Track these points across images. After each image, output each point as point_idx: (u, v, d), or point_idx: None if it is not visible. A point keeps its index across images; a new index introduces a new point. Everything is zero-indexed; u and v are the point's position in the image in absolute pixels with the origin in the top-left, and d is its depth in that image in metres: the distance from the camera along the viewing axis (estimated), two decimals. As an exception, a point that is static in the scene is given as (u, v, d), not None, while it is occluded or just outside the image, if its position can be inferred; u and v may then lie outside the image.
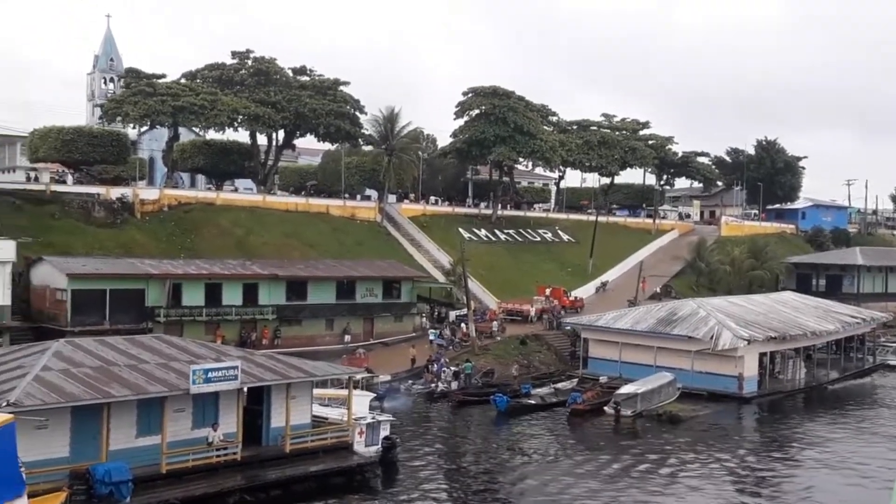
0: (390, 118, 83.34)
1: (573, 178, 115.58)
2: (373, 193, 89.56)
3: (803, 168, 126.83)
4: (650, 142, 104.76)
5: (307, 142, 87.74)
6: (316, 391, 37.77)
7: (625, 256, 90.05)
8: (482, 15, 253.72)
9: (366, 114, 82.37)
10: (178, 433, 30.81)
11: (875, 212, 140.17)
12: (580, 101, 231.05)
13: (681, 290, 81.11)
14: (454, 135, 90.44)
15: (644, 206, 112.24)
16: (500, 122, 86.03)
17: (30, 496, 22.03)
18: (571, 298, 73.16)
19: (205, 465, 31.02)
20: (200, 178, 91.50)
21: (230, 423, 32.30)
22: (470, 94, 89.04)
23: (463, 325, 61.63)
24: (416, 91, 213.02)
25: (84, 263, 51.29)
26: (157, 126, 77.90)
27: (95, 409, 28.44)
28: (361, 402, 39.10)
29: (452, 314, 65.65)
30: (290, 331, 56.43)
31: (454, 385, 51.62)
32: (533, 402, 49.63)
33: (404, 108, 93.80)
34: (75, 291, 48.43)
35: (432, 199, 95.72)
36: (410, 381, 52.59)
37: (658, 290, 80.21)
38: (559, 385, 53.80)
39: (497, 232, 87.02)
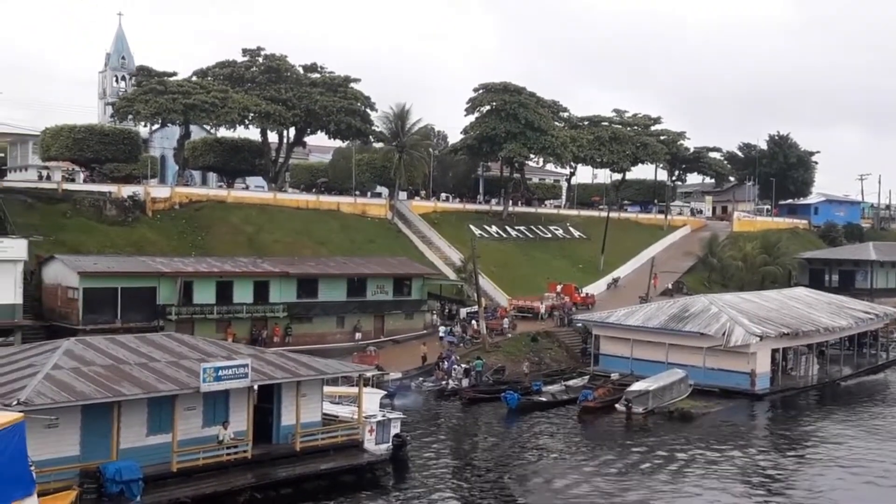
0: (401, 115, 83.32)
1: (584, 175, 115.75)
2: (384, 190, 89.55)
3: (816, 163, 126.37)
4: (662, 137, 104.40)
5: (318, 139, 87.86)
6: (326, 389, 37.75)
7: (636, 252, 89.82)
8: (493, 11, 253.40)
9: (376, 111, 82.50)
10: (189, 431, 30.83)
11: (888, 207, 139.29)
12: (592, 98, 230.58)
13: (693, 287, 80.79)
14: (465, 131, 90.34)
15: (656, 201, 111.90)
16: (510, 119, 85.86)
17: (40, 495, 22.08)
18: (583, 295, 73.01)
19: (215, 464, 31.01)
20: (212, 175, 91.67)
21: (240, 421, 32.30)
22: (481, 91, 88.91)
23: (474, 322, 61.57)
24: (427, 88, 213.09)
25: (95, 262, 51.47)
26: (169, 124, 78.08)
27: (106, 407, 28.48)
28: (372, 399, 39.08)
29: (463, 311, 65.60)
30: (300, 328, 56.51)
31: (465, 382, 51.55)
32: (544, 399, 49.51)
33: (415, 105, 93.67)
34: (87, 290, 48.59)
35: (443, 195, 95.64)
36: (421, 379, 52.55)
37: (670, 286, 79.94)
38: (570, 382, 53.63)
39: (508, 228, 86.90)
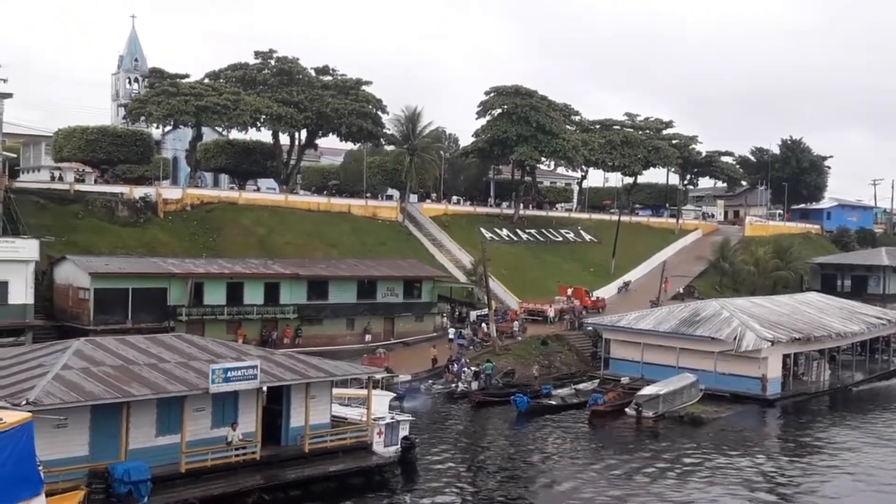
0: (412, 118, 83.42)
1: (596, 178, 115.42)
2: (394, 193, 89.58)
3: (828, 168, 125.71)
4: (673, 141, 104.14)
5: (329, 141, 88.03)
6: (336, 391, 37.76)
7: (647, 256, 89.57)
8: (505, 15, 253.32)
9: (388, 113, 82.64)
10: (198, 432, 30.84)
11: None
12: (601, 100, 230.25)
13: (704, 291, 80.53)
14: (476, 134, 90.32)
15: (667, 205, 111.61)
16: (522, 122, 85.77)
17: (48, 495, 22.08)
18: (593, 298, 72.85)
19: (224, 465, 31.01)
20: (224, 177, 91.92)
21: (249, 422, 32.29)
22: (492, 94, 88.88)
23: (484, 324, 61.50)
24: (438, 90, 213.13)
25: (107, 262, 51.62)
26: (181, 126, 78.36)
27: (115, 408, 28.52)
28: (381, 401, 38.98)
29: (473, 314, 65.53)
30: (311, 330, 56.54)
31: (474, 385, 51.48)
32: (553, 402, 49.41)
33: (426, 108, 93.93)
34: (98, 290, 48.73)
35: (454, 198, 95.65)
36: (430, 381, 52.50)
37: (681, 290, 79.69)
38: (580, 386, 53.53)
39: (519, 232, 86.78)
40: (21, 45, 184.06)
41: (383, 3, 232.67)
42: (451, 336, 60.15)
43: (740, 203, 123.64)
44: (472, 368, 53.04)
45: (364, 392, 38.25)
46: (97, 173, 74.41)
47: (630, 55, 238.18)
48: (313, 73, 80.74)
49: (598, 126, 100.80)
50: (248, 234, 67.09)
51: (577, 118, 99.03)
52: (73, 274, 50.15)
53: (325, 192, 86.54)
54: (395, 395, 44.32)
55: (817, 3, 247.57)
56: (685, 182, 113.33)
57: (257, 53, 79.71)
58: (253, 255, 60.92)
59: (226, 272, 54.27)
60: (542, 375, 55.59)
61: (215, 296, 53.01)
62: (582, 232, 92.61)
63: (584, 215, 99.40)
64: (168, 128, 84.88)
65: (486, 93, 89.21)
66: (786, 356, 55.32)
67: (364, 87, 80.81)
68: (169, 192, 67.81)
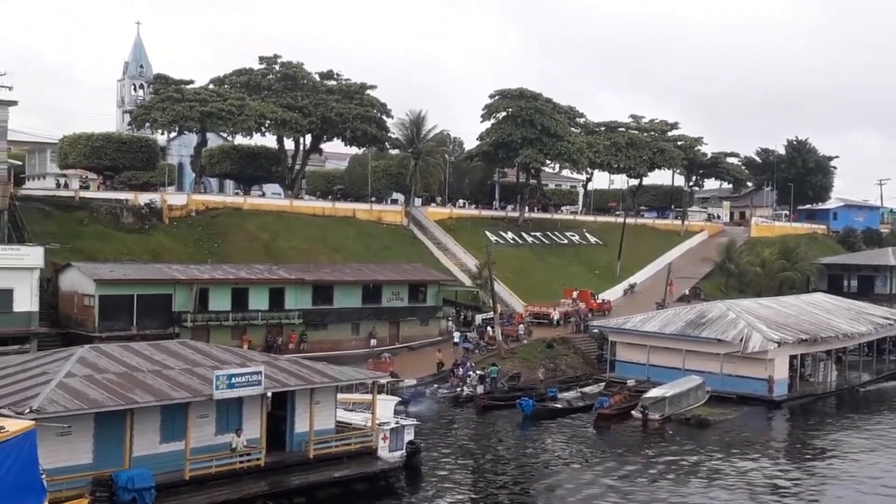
0: (416, 121, 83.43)
1: (601, 180, 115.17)
2: (399, 197, 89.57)
3: (834, 168, 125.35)
4: (679, 143, 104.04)
5: (334, 146, 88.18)
6: (340, 396, 37.67)
7: (653, 258, 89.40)
8: (508, 18, 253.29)
9: (392, 117, 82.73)
10: (202, 439, 30.75)
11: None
12: (604, 102, 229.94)
13: (710, 292, 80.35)
14: (481, 137, 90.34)
15: (673, 207, 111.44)
16: (526, 125, 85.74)
17: (51, 503, 22.09)
18: (599, 301, 72.74)
19: (228, 472, 30.91)
20: (229, 183, 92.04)
21: (254, 428, 32.23)
22: (496, 97, 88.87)
23: (489, 328, 61.40)
24: (443, 94, 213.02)
25: (112, 269, 51.68)
26: (186, 132, 78.46)
27: (119, 415, 28.46)
28: (386, 406, 38.93)
29: (479, 317, 65.45)
30: (316, 335, 56.55)
31: (480, 389, 51.39)
32: (559, 406, 49.33)
33: (430, 112, 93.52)
34: (103, 297, 48.79)
35: (459, 202, 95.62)
36: (436, 386, 52.44)
37: (687, 292, 79.52)
38: (586, 389, 53.47)
39: (524, 235, 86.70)
40: (27, 51, 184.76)
41: (383, 3, 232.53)
42: (456, 340, 60.10)
43: (746, 204, 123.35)
44: (478, 372, 52.96)
45: (369, 397, 38.21)
46: (100, 180, 74.46)
47: (632, 55, 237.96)
48: (318, 78, 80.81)
49: (602, 128, 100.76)
50: (252, 239, 67.13)
51: (582, 120, 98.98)
52: (78, 281, 50.21)
53: (329, 197, 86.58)
54: (399, 399, 44.29)
55: (818, 2, 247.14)
56: (691, 183, 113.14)
57: (261, 59, 79.82)
58: (258, 261, 60.96)
59: (231, 278, 54.33)
60: (548, 379, 55.47)
61: (220, 301, 53.04)
62: (587, 234, 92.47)
63: (590, 218, 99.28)
64: (173, 134, 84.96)
65: (491, 96, 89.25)
66: (792, 357, 55.13)
67: (368, 92, 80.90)
68: (174, 199, 67.92)
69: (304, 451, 33.54)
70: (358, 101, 79.18)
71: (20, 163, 72.62)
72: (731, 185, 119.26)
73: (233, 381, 30.73)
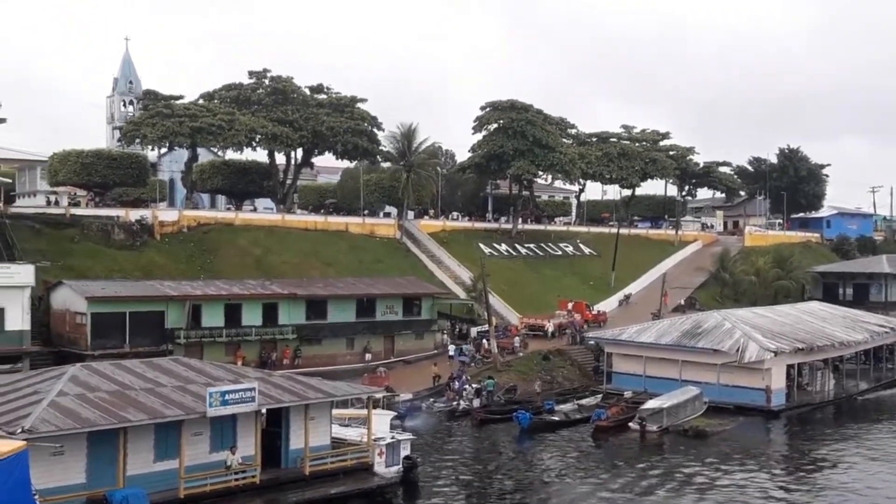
0: (407, 134, 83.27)
1: (594, 191, 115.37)
2: (392, 210, 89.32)
3: (827, 176, 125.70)
4: (671, 153, 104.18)
5: (326, 160, 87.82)
6: (336, 411, 37.34)
7: (648, 269, 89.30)
8: (499, 29, 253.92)
9: (383, 130, 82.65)
10: (196, 457, 30.42)
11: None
12: (598, 114, 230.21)
13: (705, 302, 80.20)
14: (472, 149, 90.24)
15: (666, 217, 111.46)
16: (518, 136, 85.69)
17: (44, 525, 21.71)
18: (594, 312, 72.46)
19: (224, 489, 30.60)
20: (221, 198, 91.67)
21: (248, 445, 31.89)
22: (488, 109, 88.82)
23: (484, 341, 61.07)
24: (434, 107, 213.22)
25: (103, 286, 51.22)
26: (176, 147, 78.15)
27: (112, 434, 28.11)
28: (382, 421, 38.59)
29: (474, 330, 65.10)
30: (310, 350, 56.15)
31: (476, 402, 51.02)
32: (556, 418, 48.98)
33: (422, 124, 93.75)
34: (95, 315, 48.30)
35: (452, 214, 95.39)
36: (432, 400, 52.04)
37: (682, 302, 79.33)
38: (583, 401, 53.10)
39: (518, 246, 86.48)
40: (16, 68, 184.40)
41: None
42: (451, 353, 59.75)
43: (739, 213, 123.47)
44: (474, 385, 52.60)
45: (364, 412, 37.83)
46: (89, 196, 74.01)
47: (629, 58, 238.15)
48: (308, 92, 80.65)
49: (594, 139, 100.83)
50: (245, 254, 66.77)
51: (574, 131, 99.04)
52: (69, 299, 49.76)
53: (322, 211, 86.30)
54: (395, 414, 43.93)
55: (810, 10, 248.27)
56: (683, 193, 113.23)
57: (251, 73, 79.68)
58: (250, 276, 60.56)
59: (223, 294, 53.90)
60: (545, 391, 55.18)
61: (213, 318, 52.61)
62: (581, 245, 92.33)
63: (583, 228, 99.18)
64: (164, 150, 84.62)
65: (482, 108, 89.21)
66: (789, 367, 54.91)
67: (359, 105, 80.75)
68: (165, 215, 67.50)
69: (300, 467, 33.20)
70: (349, 115, 79.01)
71: (10, 180, 72.29)
72: (723, 195, 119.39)
73: (226, 398, 30.41)
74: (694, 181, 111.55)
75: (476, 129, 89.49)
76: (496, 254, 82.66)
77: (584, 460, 41.57)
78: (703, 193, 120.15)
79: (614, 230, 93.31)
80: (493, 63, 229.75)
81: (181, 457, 29.65)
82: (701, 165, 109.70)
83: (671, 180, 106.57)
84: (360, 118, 79.77)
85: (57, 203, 69.21)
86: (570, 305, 71.06)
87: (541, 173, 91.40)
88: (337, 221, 78.18)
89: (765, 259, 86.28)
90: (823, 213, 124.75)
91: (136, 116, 78.63)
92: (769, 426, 50.45)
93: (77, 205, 68.22)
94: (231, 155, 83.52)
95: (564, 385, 58.28)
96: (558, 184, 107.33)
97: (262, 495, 31.22)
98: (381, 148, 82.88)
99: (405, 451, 36.53)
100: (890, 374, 64.99)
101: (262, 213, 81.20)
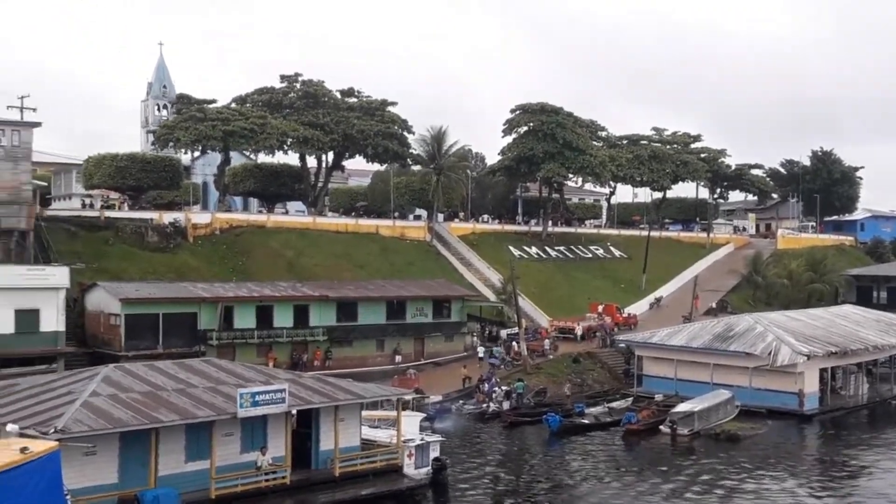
0: (438, 137, 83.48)
1: (624, 194, 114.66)
2: (422, 213, 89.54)
3: (860, 178, 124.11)
4: (702, 155, 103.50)
5: (357, 163, 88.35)
6: (365, 413, 37.53)
7: (679, 271, 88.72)
8: (529, 33, 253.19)
9: (413, 133, 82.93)
10: (227, 458, 30.65)
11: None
12: (629, 117, 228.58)
13: (737, 305, 79.54)
14: (502, 152, 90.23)
15: (698, 220, 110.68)
16: (548, 139, 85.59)
17: (77, 524, 21.97)
18: (625, 315, 72.16)
19: (254, 490, 30.79)
20: (253, 201, 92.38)
21: (279, 446, 32.08)
22: (518, 112, 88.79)
23: (514, 343, 61.00)
24: (464, 110, 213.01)
25: (137, 288, 51.81)
26: (209, 151, 78.85)
27: (144, 434, 28.42)
28: (411, 423, 38.68)
29: (504, 333, 65.06)
30: (341, 352, 56.40)
31: (506, 405, 50.98)
32: (586, 421, 48.77)
33: (452, 127, 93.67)
34: (129, 316, 48.89)
35: (482, 217, 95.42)
36: (462, 402, 52.05)
37: (714, 305, 78.75)
38: (613, 404, 52.83)
39: (548, 249, 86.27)
40: (53, 74, 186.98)
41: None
42: (481, 355, 59.74)
43: (772, 216, 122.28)
44: (504, 388, 52.57)
45: (394, 413, 37.96)
46: (122, 199, 74.82)
47: (675, 70, 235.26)
48: (338, 96, 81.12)
49: (625, 141, 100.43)
50: (276, 256, 67.22)
51: (604, 134, 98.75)
52: (104, 300, 50.39)
53: (353, 214, 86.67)
54: (425, 415, 44.01)
55: (842, 12, 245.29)
56: (715, 196, 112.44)
57: (283, 77, 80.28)
58: (282, 278, 60.95)
59: (255, 295, 54.34)
60: (575, 394, 55.01)
61: (245, 319, 53.03)
62: (611, 248, 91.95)
63: (614, 231, 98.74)
64: (197, 153, 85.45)
65: (512, 111, 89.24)
66: (822, 370, 54.35)
67: (389, 108, 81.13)
68: (198, 217, 68.18)
69: (330, 468, 33.36)
70: (379, 118, 79.40)
71: (46, 184, 73.20)
72: (756, 197, 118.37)
73: (256, 399, 30.64)
74: (726, 184, 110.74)
75: (506, 132, 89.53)
76: (526, 256, 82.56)
77: (615, 463, 41.40)
78: (735, 196, 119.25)
79: (645, 233, 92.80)
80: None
81: (212, 457, 29.91)
82: (732, 168, 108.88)
83: (703, 183, 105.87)
84: (391, 121, 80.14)
85: (92, 206, 70.06)
86: (600, 308, 70.83)
87: (571, 176, 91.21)
88: (367, 224, 78.49)
89: (798, 262, 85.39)
90: (857, 215, 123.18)
91: (170, 120, 79.46)
92: (802, 430, 49.94)
93: (110, 207, 68.98)
94: (263, 158, 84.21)
95: (594, 388, 58.10)
96: (588, 186, 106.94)
97: (292, 496, 31.41)
98: (411, 151, 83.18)
99: (435, 452, 36.57)
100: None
101: (294, 215, 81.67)
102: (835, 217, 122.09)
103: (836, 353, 54.74)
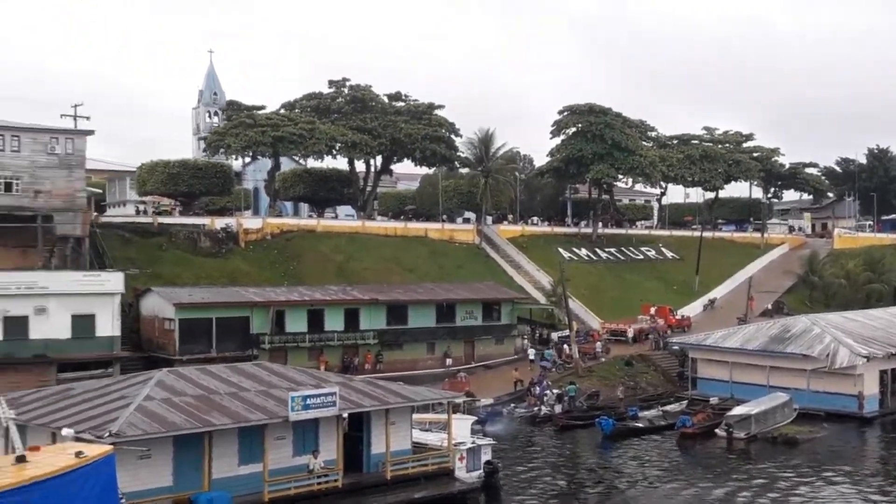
0: (485, 140, 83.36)
1: (676, 194, 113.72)
2: (471, 216, 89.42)
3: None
4: (755, 154, 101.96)
5: (405, 167, 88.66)
6: (416, 416, 37.42)
7: (733, 272, 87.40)
8: (576, 33, 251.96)
9: (461, 136, 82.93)
10: (280, 461, 30.75)
11: None
12: (678, 116, 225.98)
13: (793, 306, 78.05)
14: (551, 154, 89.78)
15: (751, 220, 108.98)
16: (597, 140, 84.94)
17: (132, 527, 22.15)
18: (678, 317, 71.29)
19: (306, 493, 30.85)
20: (303, 206, 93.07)
21: (330, 449, 32.10)
22: (566, 113, 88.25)
23: (565, 346, 60.53)
24: (512, 112, 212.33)
25: (190, 293, 52.40)
26: (259, 156, 79.59)
27: (197, 437, 28.62)
28: (462, 426, 38.47)
29: (554, 335, 64.60)
30: (391, 355, 56.44)
31: (557, 408, 50.53)
32: (640, 425, 48.15)
33: (499, 130, 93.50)
34: (182, 321, 49.47)
35: (531, 219, 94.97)
36: (513, 405, 51.75)
37: (769, 306, 77.41)
38: (667, 407, 52.13)
39: (598, 251, 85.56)
40: (109, 83, 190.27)
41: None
42: (532, 358, 59.35)
43: (828, 215, 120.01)
44: (555, 391, 52.16)
45: (444, 417, 37.79)
46: (172, 205, 75.74)
47: (727, 67, 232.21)
48: (386, 100, 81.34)
49: (675, 141, 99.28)
50: (326, 261, 67.53)
51: (654, 134, 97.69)
52: (158, 305, 51.03)
53: (401, 217, 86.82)
54: (476, 419, 43.78)
55: (886, 9, 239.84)
56: (769, 195, 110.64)
57: (331, 82, 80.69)
58: (332, 282, 61.21)
59: (306, 299, 54.62)
60: (628, 397, 54.37)
61: (297, 323, 53.37)
62: (663, 249, 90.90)
63: (665, 232, 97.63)
64: (247, 159, 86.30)
65: (560, 112, 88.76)
66: (882, 372, 53.03)
67: (437, 112, 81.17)
68: (249, 222, 68.81)
69: (381, 472, 33.31)
70: (426, 122, 79.50)
71: (100, 191, 74.56)
72: (811, 197, 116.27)
73: (308, 402, 30.70)
74: (780, 183, 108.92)
75: (554, 134, 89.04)
76: (576, 258, 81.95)
77: (669, 468, 40.78)
78: (790, 195, 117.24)
79: (697, 234, 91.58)
80: (571, 78, 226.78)
81: (265, 460, 30.02)
82: (787, 167, 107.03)
83: (756, 182, 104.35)
84: (438, 125, 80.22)
85: (146, 212, 71.08)
86: (653, 310, 70.03)
87: (621, 177, 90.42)
88: (416, 227, 78.60)
89: (855, 262, 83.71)
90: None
91: (220, 127, 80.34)
92: (862, 433, 48.78)
93: (162, 213, 69.88)
94: (312, 163, 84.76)
95: (648, 391, 57.39)
96: (639, 187, 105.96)
97: (344, 499, 31.41)
98: (458, 154, 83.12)
99: (486, 456, 36.36)
100: None
101: (343, 220, 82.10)
102: (892, 216, 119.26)
103: (896, 354, 53.41)
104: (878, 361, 51.93)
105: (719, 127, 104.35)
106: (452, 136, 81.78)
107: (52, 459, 19.26)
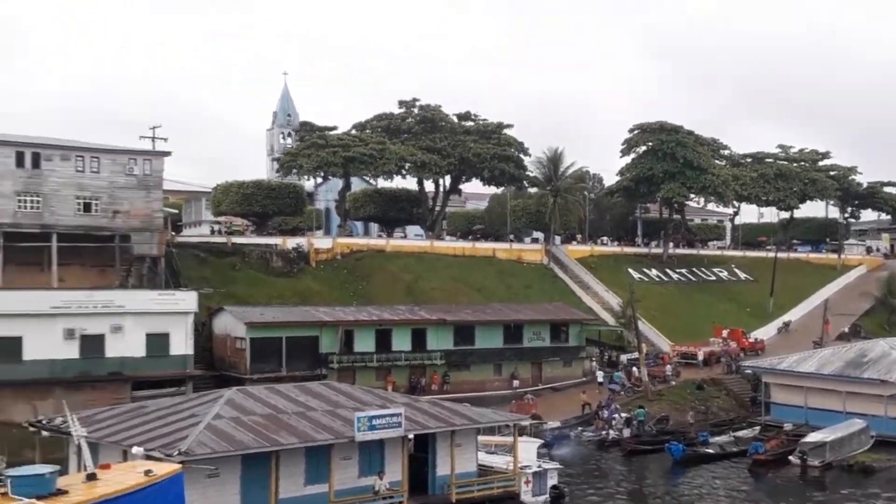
0: (554, 159, 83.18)
1: (749, 214, 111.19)
2: (539, 235, 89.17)
3: None
4: (831, 172, 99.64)
5: (474, 186, 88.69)
6: (482, 438, 37.34)
7: (808, 295, 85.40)
8: (645, 52, 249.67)
9: (529, 156, 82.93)
10: (345, 481, 30.97)
11: None
12: (752, 135, 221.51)
13: (871, 330, 75.83)
14: (621, 173, 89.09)
15: (827, 240, 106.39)
16: (668, 158, 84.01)
17: (200, 544, 22.52)
18: (751, 340, 69.90)
19: (372, 514, 31.04)
20: (374, 225, 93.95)
21: (396, 470, 32.23)
22: (636, 131, 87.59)
23: (634, 369, 59.79)
24: (581, 131, 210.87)
25: (261, 312, 53.19)
26: (330, 177, 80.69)
27: (265, 457, 28.98)
28: (528, 449, 38.25)
29: (624, 357, 63.85)
30: (458, 376, 56.43)
31: (626, 432, 49.90)
32: (711, 451, 47.33)
33: (568, 149, 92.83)
34: (254, 340, 50.24)
35: (600, 239, 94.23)
36: (580, 428, 51.25)
37: (846, 329, 75.36)
38: (739, 433, 51.14)
39: (669, 271, 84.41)
40: (187, 105, 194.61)
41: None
42: (600, 380, 58.76)
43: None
44: (624, 414, 51.53)
45: (510, 439, 37.64)
46: (244, 225, 77.14)
47: (801, 85, 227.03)
48: (455, 120, 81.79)
49: (749, 160, 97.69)
50: (395, 280, 67.98)
51: (727, 152, 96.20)
52: (230, 324, 51.93)
53: (469, 237, 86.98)
54: (542, 442, 43.47)
55: None
56: (846, 215, 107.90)
57: (401, 103, 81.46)
58: (400, 302, 61.57)
59: (374, 319, 55.03)
60: (698, 422, 53.37)
61: (365, 343, 53.78)
62: (736, 270, 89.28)
63: (738, 253, 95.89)
64: (319, 179, 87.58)
65: (630, 130, 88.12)
66: (966, 399, 51.17)
67: (505, 131, 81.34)
68: (320, 242, 69.74)
69: (447, 494, 33.35)
70: (495, 141, 79.66)
71: (177, 211, 76.31)
72: (889, 217, 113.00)
73: (374, 423, 30.92)
74: (857, 202, 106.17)
75: (624, 152, 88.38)
76: (646, 279, 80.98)
77: (740, 496, 39.96)
78: (868, 215, 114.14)
79: (772, 254, 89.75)
80: (641, 96, 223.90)
81: (331, 481, 30.27)
82: (864, 186, 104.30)
83: (832, 202, 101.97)
84: (507, 144, 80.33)
85: (220, 232, 72.54)
86: (725, 333, 68.81)
87: (692, 196, 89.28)
88: (484, 247, 78.66)
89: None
90: None
91: (293, 148, 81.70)
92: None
93: (234, 233, 71.23)
94: (382, 183, 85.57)
95: (719, 416, 56.28)
96: (711, 206, 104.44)
97: (415, 521, 31.45)
98: (527, 173, 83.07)
99: (552, 480, 36.16)
100: None
101: (412, 239, 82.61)
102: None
103: (980, 380, 51.46)
104: (960, 388, 50.14)
105: (794, 145, 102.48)
106: (521, 156, 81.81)
107: (122, 477, 19.78)
